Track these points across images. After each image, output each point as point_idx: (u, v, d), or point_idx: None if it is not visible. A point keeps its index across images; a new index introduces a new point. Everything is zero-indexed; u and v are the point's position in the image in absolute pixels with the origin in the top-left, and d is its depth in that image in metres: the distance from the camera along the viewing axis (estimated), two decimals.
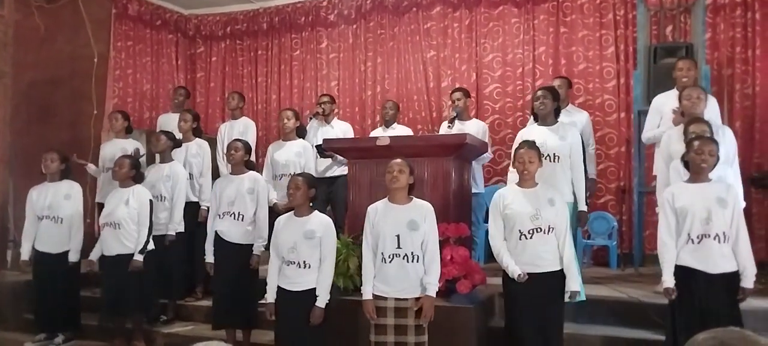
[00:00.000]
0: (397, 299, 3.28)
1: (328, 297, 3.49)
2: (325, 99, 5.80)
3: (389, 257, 3.29)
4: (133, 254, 4.30)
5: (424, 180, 4.10)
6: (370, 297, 3.32)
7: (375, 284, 3.33)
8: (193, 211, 5.01)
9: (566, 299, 3.43)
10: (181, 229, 4.83)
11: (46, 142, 5.29)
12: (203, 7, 7.94)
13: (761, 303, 3.68)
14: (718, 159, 3.30)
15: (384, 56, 7.16)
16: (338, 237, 3.74)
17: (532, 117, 4.35)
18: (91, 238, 5.05)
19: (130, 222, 4.33)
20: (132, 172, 4.46)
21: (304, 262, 3.46)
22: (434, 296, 3.30)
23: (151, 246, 4.41)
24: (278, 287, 3.54)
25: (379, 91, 7.13)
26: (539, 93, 4.15)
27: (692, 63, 4.49)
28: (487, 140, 5.29)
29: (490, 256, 3.89)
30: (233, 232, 4.25)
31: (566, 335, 3.58)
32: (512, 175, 3.91)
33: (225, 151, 4.85)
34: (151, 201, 4.44)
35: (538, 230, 3.37)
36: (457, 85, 6.07)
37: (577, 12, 6.38)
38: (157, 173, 4.83)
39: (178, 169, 4.90)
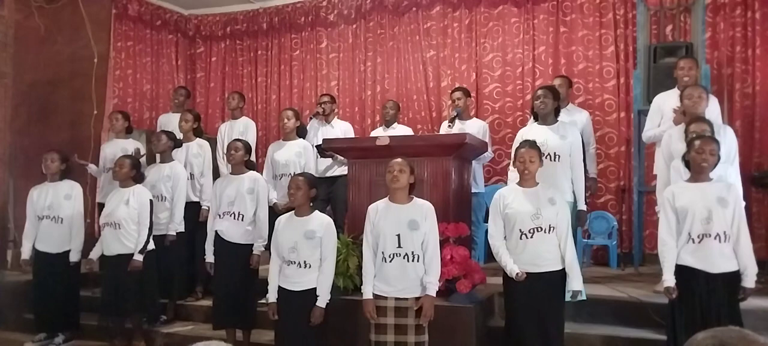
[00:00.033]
0: (397, 299, 3.29)
1: (329, 297, 3.49)
2: (326, 99, 5.80)
3: (389, 256, 3.29)
4: (133, 254, 4.30)
5: (424, 180, 4.10)
6: (371, 297, 3.32)
7: (375, 283, 3.33)
8: (193, 211, 5.02)
9: (568, 299, 3.43)
10: (182, 229, 4.83)
11: (47, 143, 5.29)
12: (203, 7, 7.94)
13: (761, 303, 3.68)
14: (718, 158, 3.30)
15: (384, 56, 7.17)
16: (338, 237, 3.74)
17: (532, 116, 4.35)
18: (90, 238, 5.05)
19: (130, 222, 4.33)
20: (132, 172, 4.46)
21: (305, 262, 3.46)
22: (434, 295, 3.30)
23: (151, 246, 4.41)
24: (279, 286, 3.54)
25: (378, 91, 7.13)
26: (540, 92, 4.15)
27: (693, 62, 4.49)
28: (487, 140, 5.29)
29: (490, 256, 3.90)
30: (233, 232, 4.25)
31: (566, 334, 3.58)
32: (513, 174, 3.91)
33: (225, 151, 4.85)
34: (151, 201, 4.44)
35: (539, 229, 3.37)
36: (457, 85, 6.07)
37: (577, 11, 6.38)
38: (158, 173, 4.84)
39: (179, 169, 4.91)
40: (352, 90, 7.29)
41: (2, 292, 5.25)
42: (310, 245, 3.46)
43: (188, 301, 5.03)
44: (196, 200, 5.10)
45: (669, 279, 3.24)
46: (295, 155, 5.04)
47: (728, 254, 3.19)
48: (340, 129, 5.70)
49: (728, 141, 3.86)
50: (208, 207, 4.68)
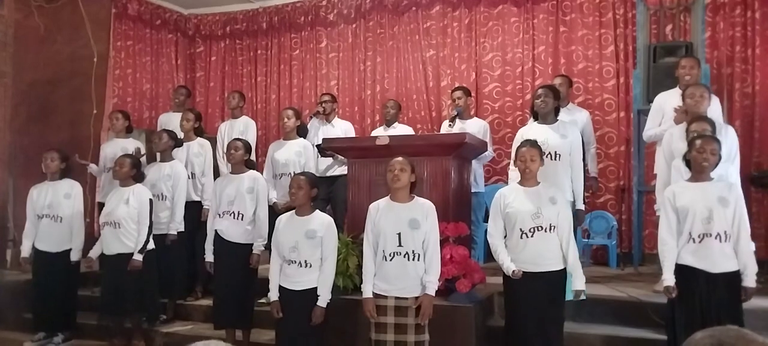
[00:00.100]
0: (397, 298, 3.28)
1: (330, 297, 3.49)
2: (326, 98, 5.80)
3: (390, 255, 3.29)
4: (133, 254, 4.29)
5: (424, 179, 4.09)
6: (371, 296, 3.32)
7: (375, 282, 3.33)
8: (194, 210, 5.02)
9: (571, 298, 3.43)
10: (182, 228, 4.83)
11: (46, 142, 5.29)
12: (203, 6, 7.94)
13: (761, 302, 3.68)
14: (719, 158, 3.29)
15: (383, 56, 7.17)
16: (338, 237, 3.74)
17: (531, 116, 4.34)
18: (90, 237, 5.05)
19: (130, 221, 4.33)
20: (132, 171, 4.46)
21: (306, 261, 3.46)
22: (434, 295, 3.30)
23: (151, 245, 4.41)
24: (279, 286, 3.54)
25: (378, 91, 7.13)
26: (540, 91, 4.15)
27: (695, 61, 4.49)
28: (488, 139, 5.29)
29: (490, 255, 3.89)
30: (233, 231, 4.25)
31: (566, 334, 3.58)
32: (513, 173, 3.92)
33: (225, 150, 4.85)
34: (150, 200, 4.44)
35: (539, 228, 3.37)
36: (457, 85, 6.07)
37: (577, 11, 6.38)
38: (158, 172, 4.84)
39: (179, 169, 4.91)
40: (352, 90, 7.29)
41: (2, 291, 5.25)
42: (311, 245, 3.46)
43: (188, 300, 5.03)
44: (196, 199, 5.11)
45: (669, 279, 3.24)
46: (295, 155, 5.03)
47: (729, 253, 3.19)
48: (341, 128, 5.70)
49: (729, 140, 3.86)
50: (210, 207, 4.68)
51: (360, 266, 3.61)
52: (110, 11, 7.11)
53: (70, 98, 6.62)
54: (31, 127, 6.17)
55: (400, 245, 3.27)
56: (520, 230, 3.39)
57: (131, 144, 5.33)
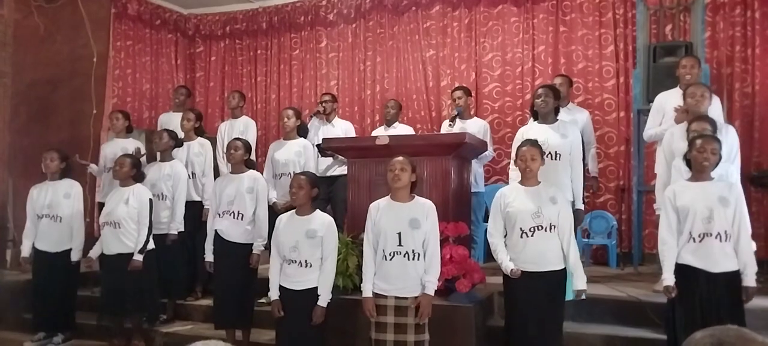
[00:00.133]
0: (397, 298, 3.28)
1: (331, 296, 3.49)
2: (327, 98, 5.81)
3: (390, 254, 3.29)
4: (133, 253, 4.29)
5: (424, 179, 4.09)
6: (370, 295, 3.32)
7: (375, 282, 3.33)
8: (194, 210, 5.02)
9: (572, 298, 3.43)
10: (182, 228, 4.83)
11: (46, 142, 5.29)
12: (202, 6, 7.94)
13: (761, 302, 3.68)
14: (720, 158, 3.29)
15: (383, 55, 7.17)
16: (338, 237, 3.74)
17: (531, 116, 4.34)
18: (90, 237, 5.05)
19: (130, 221, 4.33)
20: (132, 171, 4.46)
21: (306, 261, 3.46)
22: (432, 294, 3.29)
23: (151, 245, 4.41)
24: (279, 285, 3.54)
25: (378, 91, 7.13)
26: (540, 91, 4.14)
27: (696, 60, 4.49)
28: (488, 139, 5.29)
29: (489, 255, 3.90)
30: (233, 231, 4.24)
31: (565, 333, 3.59)
32: (514, 173, 3.92)
33: (225, 150, 4.85)
34: (150, 200, 4.44)
35: (539, 227, 3.37)
36: (457, 84, 6.07)
37: (577, 11, 6.38)
38: (158, 172, 4.84)
39: (179, 168, 4.91)
40: (352, 89, 7.29)
41: (1, 291, 5.25)
42: (312, 245, 3.46)
43: (188, 300, 5.03)
44: (197, 199, 5.11)
45: (668, 278, 3.24)
46: (295, 155, 5.03)
47: (729, 253, 3.19)
48: (341, 128, 5.71)
49: (730, 140, 3.86)
50: None
51: (360, 266, 3.61)
52: (110, 11, 7.10)
53: (70, 98, 6.62)
54: (30, 127, 6.17)
55: (400, 245, 3.27)
56: (520, 229, 3.39)
57: (131, 144, 5.33)
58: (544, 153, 3.63)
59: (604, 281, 4.86)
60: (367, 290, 3.33)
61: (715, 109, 4.14)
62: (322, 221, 3.55)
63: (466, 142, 4.26)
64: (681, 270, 3.24)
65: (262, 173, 4.75)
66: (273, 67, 7.72)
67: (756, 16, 5.68)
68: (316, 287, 3.46)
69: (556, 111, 4.16)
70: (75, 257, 4.67)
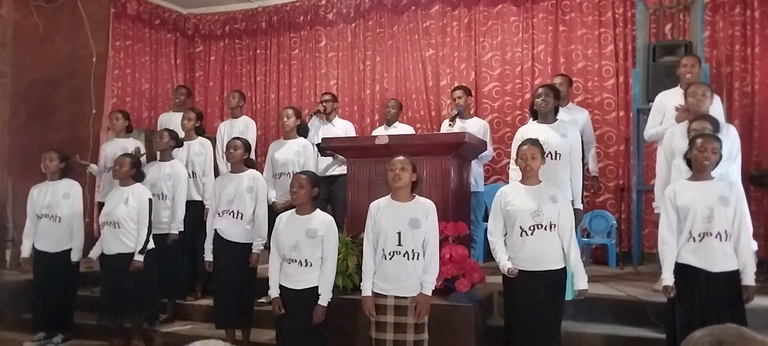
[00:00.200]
0: (396, 297, 3.28)
1: (331, 296, 3.49)
2: (327, 97, 5.81)
3: (390, 254, 3.29)
4: (133, 253, 4.29)
5: (424, 179, 4.09)
6: (370, 294, 3.32)
7: (375, 281, 3.33)
8: (195, 210, 5.02)
9: (573, 298, 3.43)
10: (182, 228, 4.83)
11: (46, 142, 5.29)
12: (202, 6, 7.93)
13: (761, 302, 3.68)
14: (720, 157, 3.29)
15: (383, 55, 7.17)
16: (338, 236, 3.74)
17: (530, 115, 4.34)
18: (90, 237, 5.05)
19: (130, 221, 4.32)
20: (132, 170, 4.46)
21: (306, 260, 3.46)
22: (430, 294, 3.29)
23: (151, 245, 4.41)
24: (279, 285, 3.54)
25: (378, 90, 7.13)
26: (540, 90, 4.14)
27: (696, 59, 4.49)
28: (488, 139, 5.29)
29: (489, 255, 3.90)
30: (232, 230, 4.24)
31: (565, 333, 3.59)
32: (514, 172, 3.92)
33: (224, 149, 4.85)
34: (150, 200, 4.43)
35: (539, 226, 3.36)
36: (457, 84, 6.07)
37: (576, 10, 6.38)
38: (158, 172, 4.84)
39: (179, 168, 4.91)
40: (352, 89, 7.28)
41: (1, 291, 5.25)
42: (312, 244, 3.46)
43: (188, 300, 5.03)
44: (197, 199, 5.11)
45: (668, 278, 3.24)
46: (295, 154, 5.03)
47: (729, 252, 3.19)
48: (341, 128, 5.71)
49: (730, 139, 3.86)
50: None
51: (359, 266, 3.60)
52: (109, 11, 7.10)
53: (70, 98, 6.62)
54: (30, 127, 6.16)
55: (399, 244, 3.27)
56: (520, 227, 3.39)
57: (131, 144, 5.33)
58: (545, 152, 3.63)
59: (604, 280, 4.86)
60: (366, 290, 3.33)
61: (716, 108, 4.13)
62: (323, 220, 3.55)
63: (465, 141, 4.26)
64: (681, 270, 3.24)
65: (261, 173, 4.75)
66: (272, 66, 7.72)
67: (755, 16, 5.68)
68: (316, 287, 3.46)
69: (556, 111, 4.16)
70: (75, 257, 4.67)
